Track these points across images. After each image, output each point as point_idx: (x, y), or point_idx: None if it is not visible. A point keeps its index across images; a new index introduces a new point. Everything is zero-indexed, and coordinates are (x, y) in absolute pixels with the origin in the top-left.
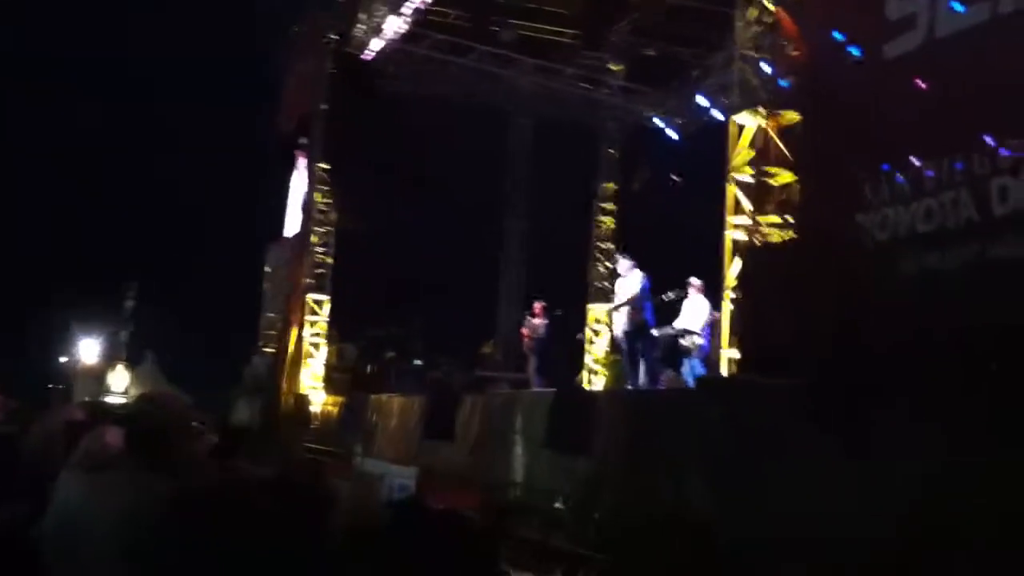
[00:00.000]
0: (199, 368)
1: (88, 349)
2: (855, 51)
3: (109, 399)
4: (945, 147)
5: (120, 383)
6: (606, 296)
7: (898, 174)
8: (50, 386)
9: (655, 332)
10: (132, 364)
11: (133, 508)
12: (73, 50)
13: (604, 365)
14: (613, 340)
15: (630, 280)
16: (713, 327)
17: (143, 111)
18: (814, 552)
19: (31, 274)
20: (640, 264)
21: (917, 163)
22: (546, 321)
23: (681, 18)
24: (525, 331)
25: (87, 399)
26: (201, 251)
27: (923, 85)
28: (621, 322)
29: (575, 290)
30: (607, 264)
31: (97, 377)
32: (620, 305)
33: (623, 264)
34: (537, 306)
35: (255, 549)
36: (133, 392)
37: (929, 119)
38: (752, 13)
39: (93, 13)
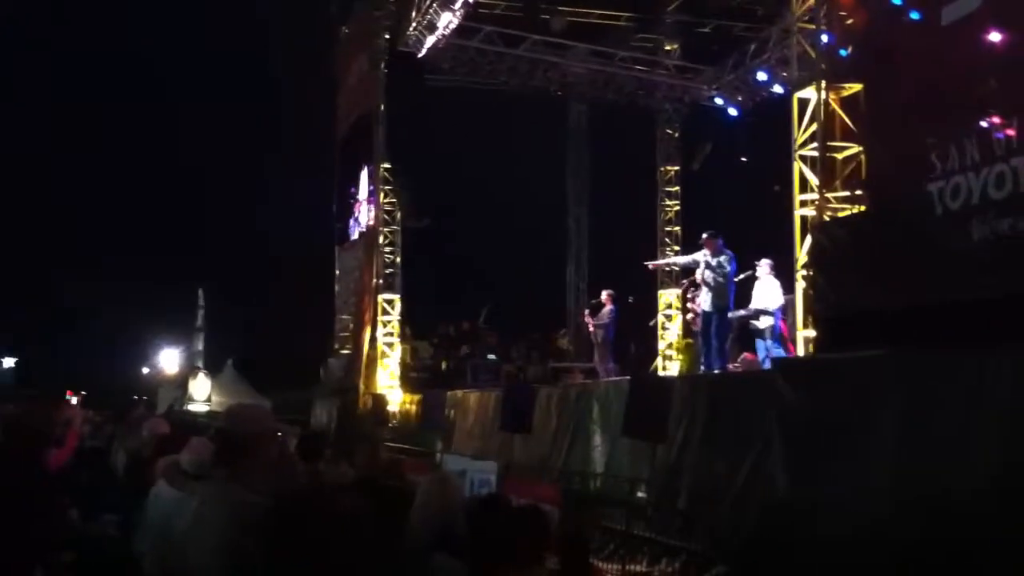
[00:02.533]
0: (276, 372)
1: (169, 359)
2: (915, 15)
3: (192, 408)
4: (1014, 109)
5: (202, 391)
6: (676, 281)
7: (967, 140)
8: (135, 397)
9: (729, 315)
10: (212, 372)
11: (229, 519)
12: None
13: (678, 350)
14: (686, 324)
15: (720, 261)
16: (786, 308)
17: (198, 113)
18: (897, 528)
19: (111, 287)
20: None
21: (986, 127)
22: (612, 309)
23: None
24: (589, 320)
25: (172, 408)
26: (273, 255)
27: (986, 46)
28: (705, 302)
29: (644, 276)
30: (674, 248)
31: (179, 386)
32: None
33: (710, 242)
34: (605, 295)
35: (346, 553)
36: (215, 400)
37: (995, 81)
38: None
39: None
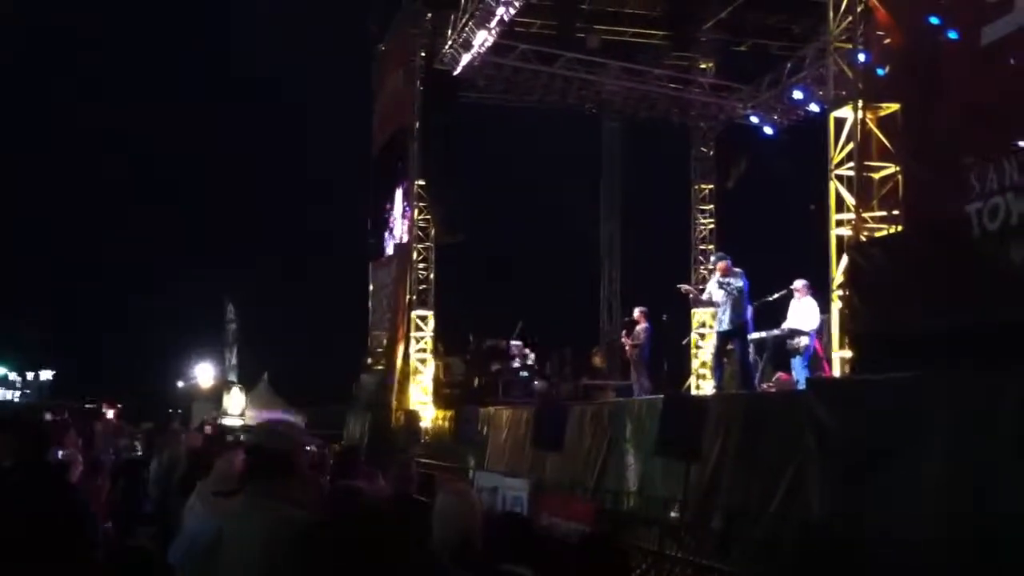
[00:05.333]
0: (309, 387)
1: (204, 372)
2: (953, 34)
3: (226, 422)
4: None
5: (236, 405)
6: (710, 300)
7: (1006, 160)
8: (170, 411)
9: (764, 334)
10: (247, 386)
11: (260, 532)
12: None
13: (712, 369)
14: None
15: (730, 280)
16: (821, 327)
17: (233, 127)
18: (936, 550)
19: (147, 301)
20: (741, 263)
21: None
22: (647, 326)
23: (769, 11)
24: (626, 338)
25: (204, 422)
26: (306, 270)
27: None
28: (723, 322)
29: (677, 294)
30: (709, 267)
31: (213, 400)
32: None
33: (721, 264)
34: (638, 312)
35: (379, 566)
36: (249, 414)
37: None
38: (843, 3)
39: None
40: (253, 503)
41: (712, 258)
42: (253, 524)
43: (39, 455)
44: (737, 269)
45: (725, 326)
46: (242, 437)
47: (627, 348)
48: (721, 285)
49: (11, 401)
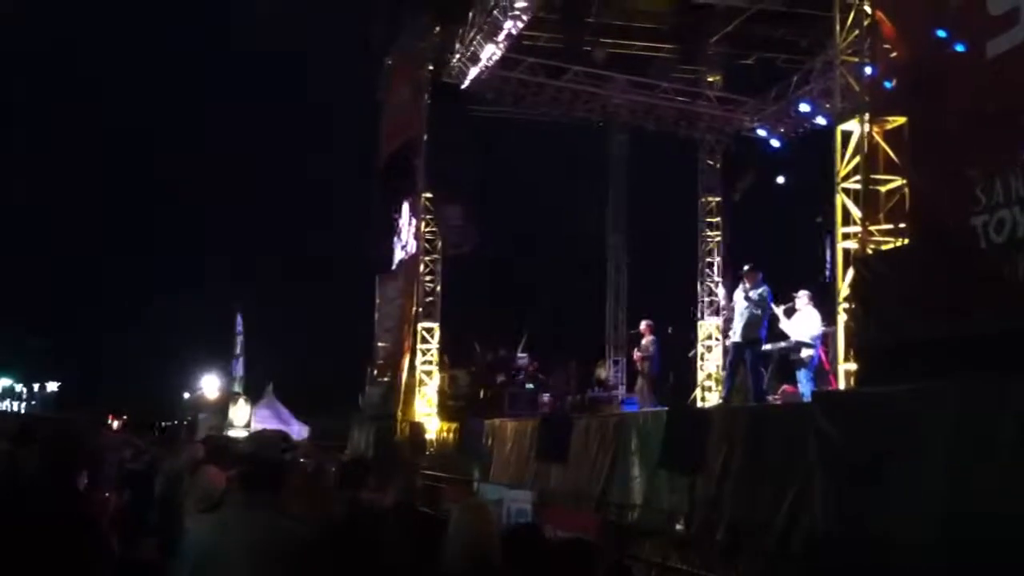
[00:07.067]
0: (315, 399)
1: (210, 383)
2: (960, 47)
3: (232, 433)
4: None
5: (241, 417)
6: (717, 311)
7: (1011, 174)
8: (175, 422)
9: (769, 347)
10: (252, 397)
11: (258, 541)
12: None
13: (718, 381)
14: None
15: (758, 292)
16: (825, 339)
17: (240, 140)
18: (945, 561)
19: (153, 312)
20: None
21: None
22: (654, 338)
23: (776, 24)
24: (637, 354)
25: (210, 433)
26: (313, 282)
27: None
28: (737, 332)
29: (684, 306)
30: (715, 279)
31: (220, 411)
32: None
33: (751, 275)
34: (643, 325)
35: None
36: (255, 426)
37: None
38: (850, 16)
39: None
40: (249, 513)
41: (745, 267)
42: (247, 534)
43: (66, 469)
44: (766, 285)
45: (738, 337)
46: None
47: (637, 361)
48: (748, 298)
49: (21, 413)
